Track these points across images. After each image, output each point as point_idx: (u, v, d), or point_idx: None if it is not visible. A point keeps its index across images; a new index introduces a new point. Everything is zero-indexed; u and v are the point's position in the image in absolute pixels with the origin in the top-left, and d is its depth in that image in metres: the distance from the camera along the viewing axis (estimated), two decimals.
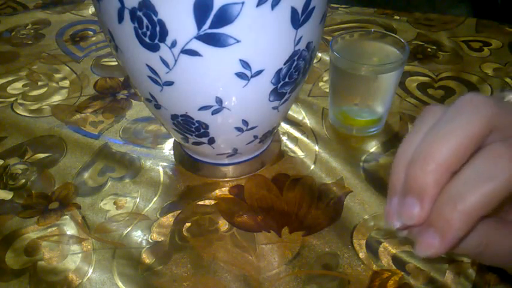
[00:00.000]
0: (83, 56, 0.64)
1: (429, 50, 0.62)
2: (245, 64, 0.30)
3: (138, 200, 0.42)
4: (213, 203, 0.41)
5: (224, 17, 0.27)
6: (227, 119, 0.35)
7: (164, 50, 0.29)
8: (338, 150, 0.46)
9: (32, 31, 0.71)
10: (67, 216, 0.41)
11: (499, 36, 0.64)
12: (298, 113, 0.52)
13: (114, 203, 0.42)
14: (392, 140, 0.48)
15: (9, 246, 0.38)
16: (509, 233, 0.18)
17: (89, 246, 0.38)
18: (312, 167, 0.45)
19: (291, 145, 0.47)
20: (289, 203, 0.41)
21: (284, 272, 0.36)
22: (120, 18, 0.28)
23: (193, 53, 0.29)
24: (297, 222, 0.39)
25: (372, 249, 0.37)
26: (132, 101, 0.55)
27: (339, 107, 0.48)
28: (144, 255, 0.37)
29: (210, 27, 0.27)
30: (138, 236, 0.39)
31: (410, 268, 0.35)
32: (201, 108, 0.34)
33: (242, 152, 0.42)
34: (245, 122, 0.36)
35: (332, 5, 0.74)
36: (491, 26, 0.67)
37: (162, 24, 0.27)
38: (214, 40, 0.28)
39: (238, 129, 0.37)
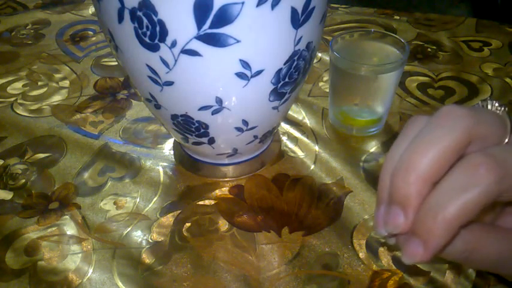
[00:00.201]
0: (83, 56, 0.64)
1: (429, 50, 0.62)
2: (245, 64, 0.30)
3: (138, 200, 0.42)
4: (213, 203, 0.41)
5: (224, 17, 0.27)
6: (227, 119, 0.35)
7: (164, 50, 0.29)
8: (338, 150, 0.47)
9: (32, 31, 0.71)
10: (67, 216, 0.41)
11: (499, 36, 0.64)
12: (298, 113, 0.52)
13: (114, 203, 0.42)
14: (392, 140, 0.48)
15: (9, 246, 0.38)
16: (495, 239, 0.19)
17: (89, 246, 0.38)
18: (312, 167, 0.45)
19: (291, 145, 0.47)
20: (289, 203, 0.41)
21: (284, 272, 0.36)
22: (120, 18, 0.28)
23: (193, 53, 0.29)
24: (297, 222, 0.39)
25: (372, 249, 0.37)
26: (132, 101, 0.55)
27: (339, 107, 0.48)
28: (144, 255, 0.37)
29: (210, 27, 0.27)
30: (138, 236, 0.39)
31: (410, 268, 0.35)
32: (201, 108, 0.34)
33: (242, 152, 0.42)
34: (245, 122, 0.36)
35: (332, 5, 0.74)
36: (491, 26, 0.67)
37: (162, 24, 0.27)
38: (214, 40, 0.28)
39: (238, 129, 0.37)
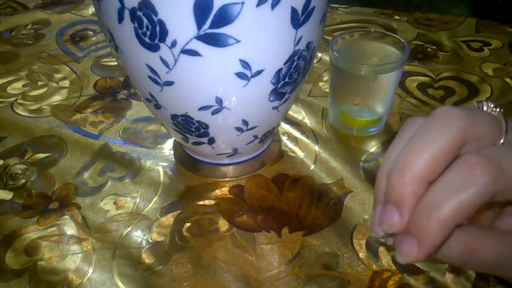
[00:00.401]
0: (83, 56, 0.64)
1: (429, 50, 0.62)
2: (245, 64, 0.30)
3: (138, 200, 0.42)
4: (213, 203, 0.41)
5: (224, 17, 0.27)
6: (227, 119, 0.35)
7: (164, 50, 0.29)
8: (338, 150, 0.47)
9: (32, 31, 0.71)
10: (67, 216, 0.41)
11: (499, 36, 0.64)
12: (298, 113, 0.52)
13: (114, 203, 0.42)
14: (392, 140, 0.47)
15: (9, 246, 0.38)
16: (493, 241, 0.19)
17: (89, 246, 0.38)
18: (312, 167, 0.45)
19: (291, 145, 0.47)
20: (289, 203, 0.41)
21: (284, 272, 0.36)
22: (120, 18, 0.28)
23: (193, 53, 0.29)
24: (297, 222, 0.39)
25: (372, 249, 0.37)
26: (132, 101, 0.55)
27: (339, 107, 0.48)
28: (144, 255, 0.37)
29: (210, 27, 0.27)
30: (138, 236, 0.39)
31: (410, 268, 0.35)
32: (201, 108, 0.34)
33: (242, 152, 0.42)
34: (245, 122, 0.36)
35: (332, 5, 0.74)
36: (491, 26, 0.67)
37: (162, 24, 0.27)
38: (214, 40, 0.28)
39: (238, 129, 0.37)
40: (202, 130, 0.36)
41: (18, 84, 0.59)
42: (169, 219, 0.40)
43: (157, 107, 0.35)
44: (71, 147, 0.48)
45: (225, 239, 0.38)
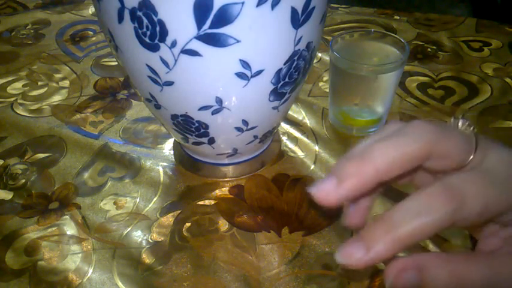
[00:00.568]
0: (83, 56, 0.64)
1: (429, 50, 0.62)
2: (245, 64, 0.30)
3: (138, 200, 0.42)
4: (213, 203, 0.41)
5: (224, 17, 0.27)
6: (227, 119, 0.35)
7: (164, 50, 0.29)
8: (338, 150, 0.46)
9: (32, 31, 0.71)
10: (67, 216, 0.41)
11: (499, 36, 0.64)
12: (298, 113, 0.52)
13: (114, 203, 0.42)
14: None
15: (9, 246, 0.38)
16: (481, 266, 0.19)
17: (89, 246, 0.38)
18: (312, 167, 0.45)
19: (291, 145, 0.47)
20: (289, 203, 0.41)
21: (284, 272, 0.36)
22: (120, 18, 0.28)
23: (193, 53, 0.29)
24: (297, 222, 0.39)
25: None
26: (132, 101, 0.55)
27: (339, 107, 0.48)
28: (144, 255, 0.37)
29: (210, 27, 0.27)
30: (138, 236, 0.39)
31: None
32: (201, 108, 0.34)
33: (242, 152, 0.42)
34: (245, 122, 0.36)
35: (332, 5, 0.74)
36: (491, 26, 0.67)
37: (162, 24, 0.27)
38: (214, 40, 0.28)
39: (238, 129, 0.37)
40: (202, 130, 0.36)
41: (18, 84, 0.59)
42: (169, 219, 0.40)
43: (157, 107, 0.35)
44: (71, 147, 0.48)
45: (225, 239, 0.38)
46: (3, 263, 0.37)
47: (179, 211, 0.41)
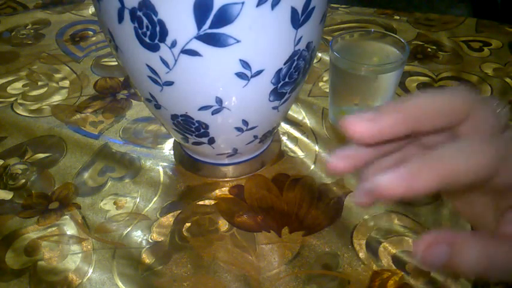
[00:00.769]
0: (83, 56, 0.64)
1: (429, 50, 0.62)
2: (245, 64, 0.30)
3: (138, 200, 0.42)
4: (213, 203, 0.41)
5: (224, 17, 0.27)
6: (227, 119, 0.35)
7: (164, 50, 0.29)
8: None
9: (32, 31, 0.71)
10: (67, 216, 0.41)
11: (499, 36, 0.64)
12: (298, 113, 0.52)
13: (114, 203, 0.42)
14: None
15: (9, 246, 0.38)
16: (507, 248, 0.19)
17: (89, 246, 0.38)
18: (312, 167, 0.45)
19: (291, 145, 0.47)
20: (289, 203, 0.41)
21: (284, 272, 0.36)
22: (120, 18, 0.28)
23: (193, 53, 0.29)
24: (297, 222, 0.39)
25: (372, 249, 0.37)
26: (132, 101, 0.55)
27: (339, 107, 0.48)
28: (144, 255, 0.37)
29: (210, 27, 0.27)
30: (138, 236, 0.39)
31: (410, 268, 0.35)
32: (201, 108, 0.34)
33: (242, 152, 0.42)
34: (245, 122, 0.36)
35: (332, 5, 0.74)
36: (491, 26, 0.67)
37: (162, 24, 0.27)
38: (214, 40, 0.28)
39: (238, 129, 0.37)
40: (202, 130, 0.36)
41: (18, 84, 0.59)
42: (169, 219, 0.40)
43: (157, 107, 0.35)
44: (71, 147, 0.48)
45: (225, 239, 0.38)
46: (3, 263, 0.37)
47: (179, 211, 0.41)
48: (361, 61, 0.44)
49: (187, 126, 0.36)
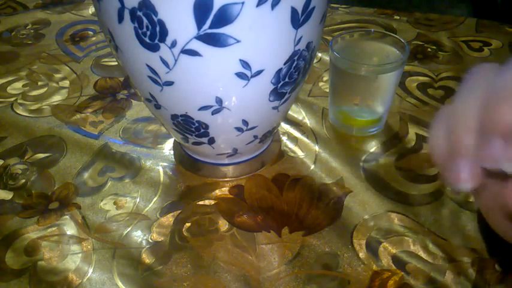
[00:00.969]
0: (83, 56, 0.64)
1: (429, 50, 0.62)
2: (245, 64, 0.30)
3: (138, 200, 0.42)
4: (213, 203, 0.41)
5: (224, 17, 0.27)
6: (227, 119, 0.35)
7: (164, 50, 0.29)
8: (338, 150, 0.46)
9: (32, 31, 0.71)
10: (67, 216, 0.41)
11: (499, 36, 0.64)
12: (298, 113, 0.52)
13: (114, 203, 0.42)
14: (392, 140, 0.48)
15: (9, 246, 0.38)
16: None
17: (89, 246, 0.38)
18: (312, 167, 0.45)
19: (291, 145, 0.47)
20: (289, 203, 0.41)
21: (284, 272, 0.36)
22: (120, 18, 0.28)
23: (193, 53, 0.29)
24: (297, 222, 0.39)
25: (372, 249, 0.37)
26: (132, 101, 0.55)
27: (339, 107, 0.48)
28: (144, 255, 0.37)
29: (210, 27, 0.27)
30: (138, 236, 0.39)
31: (410, 268, 0.35)
32: (201, 108, 0.34)
33: (242, 152, 0.42)
34: (245, 122, 0.36)
35: (332, 5, 0.74)
36: (491, 26, 0.67)
37: (162, 24, 0.27)
38: (214, 40, 0.28)
39: (238, 129, 0.37)
40: (202, 130, 0.36)
41: (18, 84, 0.59)
42: (169, 219, 0.40)
43: (157, 107, 0.35)
44: (71, 147, 0.48)
45: (225, 239, 0.38)
46: (3, 263, 0.37)
47: (179, 211, 0.41)
48: (361, 61, 0.44)
49: (187, 126, 0.36)
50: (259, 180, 0.43)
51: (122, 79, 0.59)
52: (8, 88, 0.58)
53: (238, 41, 0.28)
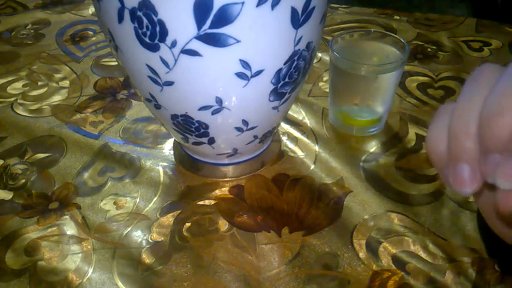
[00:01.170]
0: (83, 56, 0.64)
1: (429, 50, 0.62)
2: (245, 64, 0.30)
3: (138, 200, 0.42)
4: (213, 203, 0.41)
5: (224, 17, 0.27)
6: (227, 119, 0.35)
7: (164, 50, 0.29)
8: (338, 150, 0.47)
9: (32, 31, 0.71)
10: (67, 216, 0.41)
11: (499, 36, 0.64)
12: (298, 113, 0.52)
13: (114, 203, 0.42)
14: (392, 140, 0.48)
15: (9, 246, 0.38)
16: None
17: (89, 246, 0.38)
18: (312, 167, 0.45)
19: (291, 145, 0.47)
20: (289, 203, 0.41)
21: (284, 272, 0.36)
22: (120, 18, 0.28)
23: (193, 53, 0.29)
24: (297, 222, 0.39)
25: (372, 249, 0.37)
26: (132, 101, 0.55)
27: (339, 107, 0.48)
28: (144, 255, 0.37)
29: (210, 27, 0.27)
30: (138, 236, 0.39)
31: (410, 268, 0.35)
32: (201, 108, 0.34)
33: (242, 152, 0.42)
34: (245, 122, 0.36)
35: (332, 5, 0.74)
36: (491, 26, 0.67)
37: (162, 24, 0.27)
38: (214, 40, 0.28)
39: (238, 129, 0.37)
40: (202, 130, 0.36)
41: (18, 84, 0.59)
42: (169, 219, 0.40)
43: (157, 107, 0.35)
44: (71, 147, 0.48)
45: (225, 239, 0.38)
46: (3, 263, 0.37)
47: (179, 211, 0.41)
48: (361, 61, 0.44)
49: (187, 126, 0.36)
50: (259, 180, 0.43)
51: (122, 79, 0.59)
52: (8, 88, 0.58)
53: (238, 41, 0.28)
